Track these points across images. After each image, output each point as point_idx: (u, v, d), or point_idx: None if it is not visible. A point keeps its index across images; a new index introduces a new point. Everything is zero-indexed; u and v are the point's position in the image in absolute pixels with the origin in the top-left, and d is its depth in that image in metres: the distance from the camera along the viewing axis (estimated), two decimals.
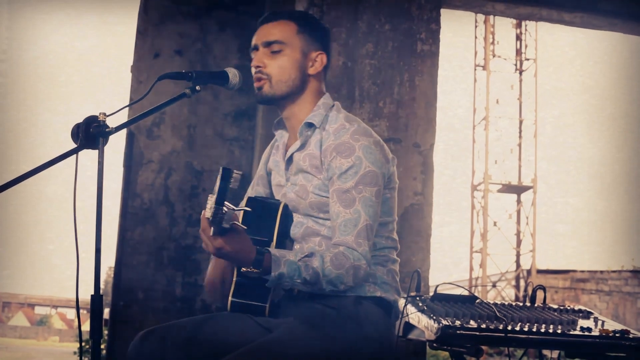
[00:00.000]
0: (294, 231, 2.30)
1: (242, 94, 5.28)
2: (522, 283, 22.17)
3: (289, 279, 2.05)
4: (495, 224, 22.45)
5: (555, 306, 2.54)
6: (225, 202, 1.84)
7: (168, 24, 5.34)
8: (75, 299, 1.97)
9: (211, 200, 1.84)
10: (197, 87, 2.14)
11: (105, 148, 1.97)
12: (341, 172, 2.16)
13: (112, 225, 5.36)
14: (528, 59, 23.00)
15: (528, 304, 2.56)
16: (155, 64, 5.28)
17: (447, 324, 2.20)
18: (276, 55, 2.26)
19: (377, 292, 2.23)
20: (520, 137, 22.78)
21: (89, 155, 1.99)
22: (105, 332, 5.39)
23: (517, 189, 22.65)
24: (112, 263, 5.36)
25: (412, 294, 2.52)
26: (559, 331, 2.27)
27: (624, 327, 2.33)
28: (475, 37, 23.09)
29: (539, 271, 21.63)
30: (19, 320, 48.00)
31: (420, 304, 2.39)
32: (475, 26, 23.11)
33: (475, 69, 22.94)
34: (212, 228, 1.90)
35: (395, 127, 4.20)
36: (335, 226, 2.14)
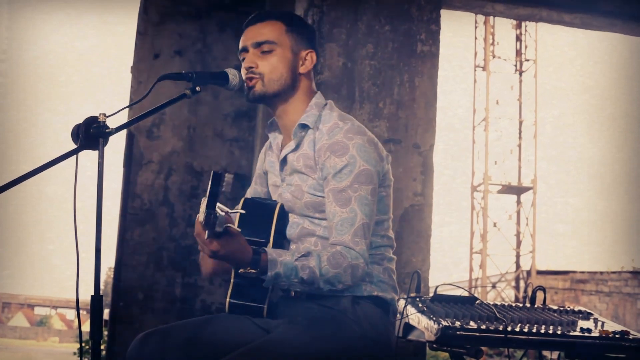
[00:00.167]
0: (290, 232, 2.30)
1: (242, 95, 5.24)
2: (522, 284, 22.17)
3: (286, 278, 2.05)
4: (495, 224, 22.45)
5: (555, 307, 2.54)
6: (219, 205, 1.84)
7: (168, 24, 5.34)
8: (75, 300, 1.97)
9: (203, 204, 1.85)
10: (197, 88, 2.14)
11: (105, 148, 1.97)
12: (336, 172, 2.16)
13: (112, 225, 5.36)
14: (528, 60, 23.01)
15: (528, 304, 2.56)
16: (155, 64, 5.28)
17: (447, 324, 2.20)
18: (267, 55, 2.25)
19: (375, 291, 2.23)
20: (520, 137, 22.78)
21: (89, 156, 1.99)
22: (105, 332, 5.39)
23: (517, 190, 22.65)
24: (112, 263, 5.36)
25: (412, 294, 2.52)
26: (558, 332, 2.27)
27: (624, 328, 2.33)
28: (475, 38, 23.10)
29: (539, 272, 21.63)
30: (19, 321, 47.99)
31: (420, 305, 2.39)
32: (475, 27, 23.12)
33: (475, 70, 22.94)
34: (206, 232, 1.91)
35: (395, 128, 4.21)
36: (332, 226, 2.14)
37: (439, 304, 2.40)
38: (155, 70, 5.25)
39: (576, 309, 2.54)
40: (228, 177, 1.82)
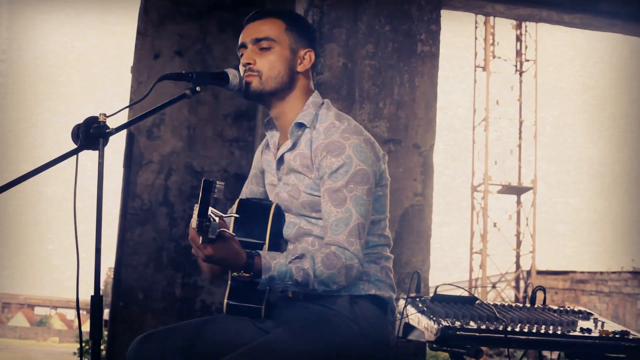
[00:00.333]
0: (287, 232, 2.29)
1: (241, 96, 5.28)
2: (522, 284, 22.17)
3: (280, 281, 2.04)
4: (495, 224, 22.45)
5: (555, 307, 2.54)
6: (212, 210, 1.85)
7: (168, 24, 5.34)
8: (75, 300, 1.97)
9: (196, 211, 1.85)
10: (197, 88, 2.14)
11: (106, 148, 1.97)
12: (332, 171, 2.16)
13: (112, 225, 5.36)
14: (528, 60, 23.01)
15: (528, 305, 2.56)
16: (155, 64, 5.28)
17: (447, 324, 2.20)
18: (265, 53, 2.25)
19: (372, 290, 2.22)
20: (520, 137, 22.78)
21: (89, 156, 1.99)
22: (105, 332, 5.39)
23: (517, 190, 22.65)
24: (112, 263, 5.36)
25: (412, 294, 2.52)
26: (558, 332, 2.27)
27: (624, 328, 2.33)
28: (475, 38, 23.10)
29: (539, 272, 21.63)
30: (19, 321, 47.99)
31: (420, 305, 2.40)
32: (475, 27, 23.12)
33: (475, 70, 22.94)
34: (200, 237, 1.91)
35: (395, 128, 4.20)
36: (327, 226, 2.14)
37: (439, 304, 2.40)
38: (155, 70, 5.25)
39: (576, 309, 2.54)
40: (219, 184, 1.83)
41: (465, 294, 2.47)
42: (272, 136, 2.40)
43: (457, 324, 2.22)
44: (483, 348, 2.22)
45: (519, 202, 22.76)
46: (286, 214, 2.31)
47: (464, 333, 2.19)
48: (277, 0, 5.12)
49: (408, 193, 4.16)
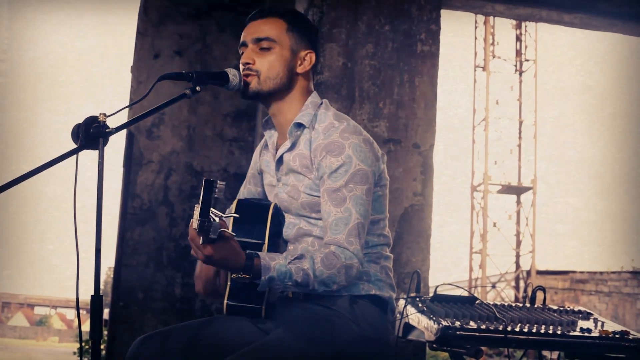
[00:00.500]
0: (287, 232, 2.29)
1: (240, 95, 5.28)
2: (521, 284, 22.17)
3: (280, 282, 2.04)
4: (495, 224, 22.46)
5: (555, 307, 2.54)
6: (212, 210, 1.84)
7: (168, 24, 5.34)
8: (75, 299, 1.97)
9: (197, 211, 1.85)
10: (197, 88, 2.13)
11: (105, 148, 1.97)
12: (331, 171, 2.15)
13: (112, 225, 5.36)
14: (528, 60, 23.02)
15: (528, 304, 2.56)
16: (155, 64, 5.28)
17: (447, 324, 2.20)
18: (265, 53, 2.25)
19: (372, 290, 2.22)
20: (520, 137, 22.79)
21: (89, 156, 1.99)
22: (105, 332, 5.39)
23: (517, 190, 22.66)
24: (112, 263, 5.36)
25: (412, 294, 2.52)
26: (558, 332, 2.27)
27: (624, 328, 2.33)
28: (475, 38, 23.10)
29: (539, 272, 21.63)
30: (19, 321, 47.99)
31: (420, 305, 2.40)
32: (475, 27, 23.13)
33: (475, 70, 22.94)
34: (200, 237, 1.91)
35: (395, 128, 4.21)
36: (327, 225, 2.14)
37: (438, 304, 2.40)
38: (155, 70, 5.25)
39: (576, 309, 2.54)
40: (220, 184, 1.83)
41: (465, 293, 2.47)
42: (271, 136, 2.40)
43: (457, 323, 2.22)
44: (483, 348, 2.22)
45: (518, 202, 22.76)
46: (286, 215, 2.31)
47: (463, 333, 2.20)
48: (277, 0, 5.11)
49: (408, 193, 4.16)
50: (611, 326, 2.37)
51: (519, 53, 23.08)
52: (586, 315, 2.49)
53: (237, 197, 2.48)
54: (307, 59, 2.30)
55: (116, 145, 2.37)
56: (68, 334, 42.23)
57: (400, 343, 2.45)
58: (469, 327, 2.21)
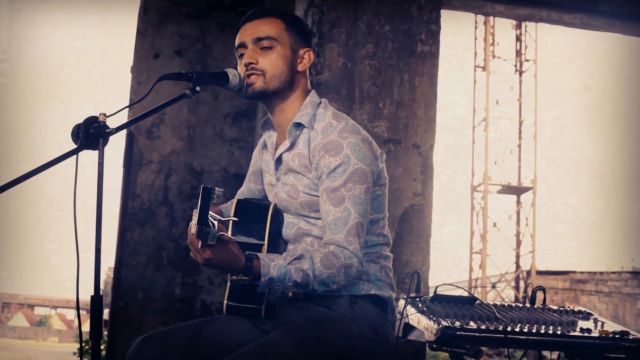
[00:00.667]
0: (286, 232, 2.29)
1: (242, 95, 5.28)
2: (521, 284, 22.17)
3: (280, 282, 2.04)
4: (495, 224, 22.45)
5: (555, 307, 2.54)
6: (211, 214, 1.84)
7: (168, 24, 5.34)
8: (75, 300, 1.97)
9: (195, 216, 1.85)
10: (197, 88, 2.13)
11: (105, 148, 1.97)
12: (330, 171, 2.16)
13: (112, 225, 5.36)
14: (528, 60, 23.01)
15: (528, 305, 2.56)
16: (155, 64, 5.28)
17: (447, 324, 2.20)
18: (267, 52, 2.25)
19: (372, 289, 2.22)
20: (520, 137, 22.79)
21: (89, 156, 1.99)
22: (105, 332, 5.39)
23: (517, 190, 22.66)
24: (112, 263, 5.36)
25: (412, 294, 2.52)
26: (558, 332, 2.27)
27: (624, 328, 2.33)
28: (475, 38, 23.10)
29: (539, 272, 21.63)
30: (19, 321, 47.98)
31: (420, 305, 2.40)
32: (475, 27, 23.12)
33: (475, 70, 22.94)
34: (199, 242, 1.91)
35: (395, 128, 4.21)
36: (326, 225, 2.14)
37: (438, 304, 2.40)
38: (155, 70, 5.25)
39: (576, 309, 2.54)
40: (218, 191, 1.83)
41: (465, 294, 2.47)
42: (270, 136, 2.40)
43: (457, 324, 2.22)
44: (483, 348, 2.22)
45: (518, 202, 22.76)
46: (285, 214, 2.31)
47: (463, 333, 2.20)
48: (277, 0, 5.12)
49: (408, 193, 4.16)
50: (611, 326, 2.37)
51: (519, 53, 23.08)
52: (586, 316, 2.49)
53: (237, 196, 2.49)
54: (306, 57, 2.31)
55: (116, 145, 2.37)
56: (68, 334, 42.22)
57: (400, 343, 2.45)
58: (469, 327, 2.21)
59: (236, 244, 1.99)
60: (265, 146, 2.43)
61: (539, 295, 2.58)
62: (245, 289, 2.14)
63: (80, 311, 2.02)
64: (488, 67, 22.60)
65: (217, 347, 2.17)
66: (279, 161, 2.31)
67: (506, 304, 2.50)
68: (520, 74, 23.04)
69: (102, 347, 4.94)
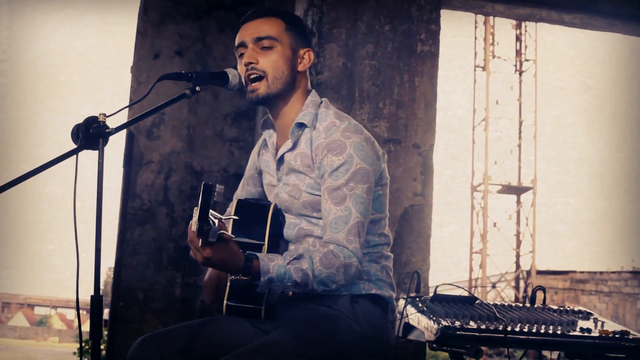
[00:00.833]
0: (288, 232, 2.29)
1: (241, 95, 5.25)
2: (521, 284, 22.17)
3: (279, 282, 2.04)
4: (495, 224, 22.46)
5: (555, 307, 2.54)
6: (212, 212, 1.84)
7: (168, 24, 5.34)
8: (75, 300, 1.97)
9: (196, 214, 1.85)
10: (197, 88, 2.14)
11: (105, 148, 1.97)
12: (332, 170, 2.16)
13: (112, 225, 5.36)
14: (528, 60, 23.02)
15: (528, 304, 2.56)
16: (155, 64, 5.28)
17: (447, 324, 2.20)
18: (267, 52, 2.25)
19: (373, 289, 2.22)
20: (520, 137, 22.79)
21: (89, 156, 1.99)
22: (105, 332, 5.39)
23: (517, 190, 22.66)
24: (112, 263, 5.36)
25: (412, 294, 2.52)
26: (558, 332, 2.27)
27: (624, 328, 2.33)
28: (475, 38, 23.10)
29: (539, 272, 21.63)
30: (19, 321, 47.98)
31: (420, 305, 2.40)
32: (475, 27, 23.13)
33: (475, 70, 22.94)
34: (200, 240, 1.91)
35: (395, 128, 4.21)
36: (327, 224, 2.14)
37: (438, 304, 2.40)
38: (155, 70, 5.25)
39: (576, 309, 2.54)
40: (219, 188, 1.83)
41: (465, 293, 2.47)
42: (270, 136, 2.40)
43: (457, 323, 2.22)
44: (483, 348, 2.23)
45: (518, 202, 22.76)
46: (286, 215, 2.31)
47: (463, 333, 2.20)
48: (276, 0, 5.12)
49: (408, 193, 4.16)
50: (611, 326, 2.38)
51: (519, 53, 23.08)
52: (586, 315, 2.49)
53: (237, 198, 2.48)
54: (306, 57, 2.31)
55: (116, 145, 2.37)
56: (68, 334, 42.22)
57: (400, 343, 2.45)
58: (469, 327, 2.21)
59: (236, 243, 1.99)
60: (265, 146, 2.43)
61: (539, 295, 2.58)
62: (245, 290, 2.14)
63: (80, 311, 2.02)
64: (488, 67, 22.60)
65: (217, 347, 2.17)
66: (280, 161, 2.31)
67: (506, 304, 2.50)
68: (520, 74, 23.04)
69: (102, 347, 4.93)
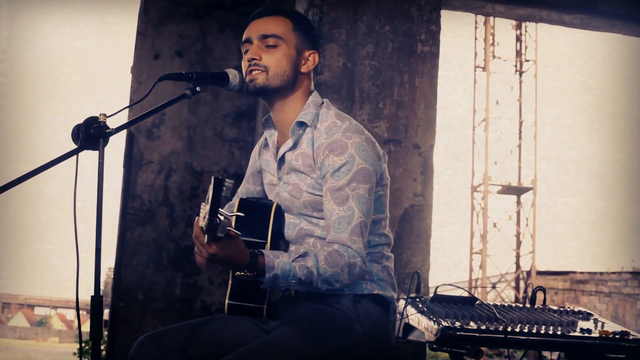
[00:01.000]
0: (288, 232, 2.30)
1: (242, 95, 5.28)
2: (521, 284, 22.16)
3: (284, 279, 2.05)
4: (495, 225, 22.45)
5: (555, 307, 2.54)
6: (220, 210, 1.85)
7: (168, 24, 5.34)
8: (75, 300, 1.97)
9: (204, 209, 1.85)
10: (197, 88, 2.14)
11: (106, 148, 1.97)
12: (334, 170, 2.16)
13: (112, 225, 5.36)
14: (528, 60, 23.01)
15: (528, 305, 2.56)
16: (155, 64, 5.28)
17: (447, 325, 2.20)
18: (272, 50, 2.26)
19: (375, 289, 2.23)
20: (520, 138, 22.78)
21: (89, 156, 1.99)
22: (105, 332, 5.39)
23: (517, 190, 22.65)
24: (112, 264, 5.36)
25: (412, 295, 2.52)
26: (558, 332, 2.27)
27: (624, 329, 2.33)
28: (475, 38, 23.09)
29: (539, 272, 21.63)
30: (19, 321, 47.96)
31: (420, 305, 2.39)
32: (475, 27, 23.12)
33: (475, 70, 22.94)
34: (205, 236, 1.91)
35: (395, 128, 4.21)
36: (330, 224, 2.15)
37: (439, 305, 2.40)
38: (155, 70, 5.25)
39: (576, 309, 2.54)
40: (228, 182, 1.83)
41: (465, 294, 2.47)
42: (271, 135, 2.40)
43: (457, 324, 2.22)
44: (483, 348, 2.22)
45: (518, 203, 22.75)
46: (286, 214, 2.31)
47: (463, 333, 2.19)
48: (276, 0, 5.11)
49: (408, 193, 4.16)
50: (611, 327, 2.37)
51: (519, 53, 23.07)
52: (586, 316, 2.49)
53: (235, 197, 2.49)
54: (311, 59, 2.32)
55: (116, 145, 2.38)
56: (68, 335, 42.21)
57: (400, 343, 2.45)
58: (469, 327, 2.21)
59: (241, 240, 2.00)
60: (266, 145, 2.44)
61: (539, 296, 2.58)
62: (247, 288, 2.14)
63: (80, 311, 2.02)
64: (488, 67, 22.59)
65: (219, 346, 2.18)
66: (281, 161, 2.31)
67: (506, 304, 2.50)
68: (521, 74, 23.03)
69: (102, 347, 4.94)
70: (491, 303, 2.47)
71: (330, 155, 2.18)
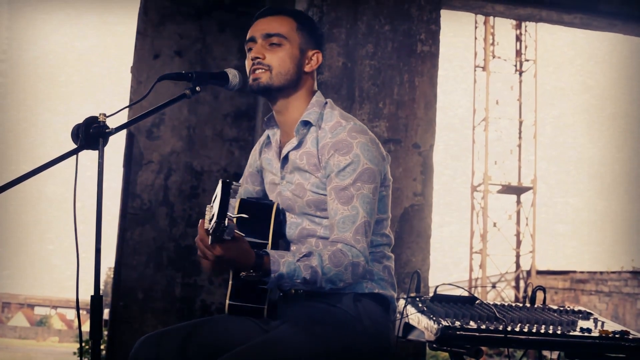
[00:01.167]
0: (289, 232, 2.30)
1: (242, 95, 5.28)
2: (521, 284, 22.17)
3: (289, 279, 2.05)
4: (495, 224, 22.45)
5: (555, 307, 2.54)
6: (227, 214, 1.84)
7: (168, 24, 5.34)
8: (75, 300, 1.97)
9: (210, 212, 1.85)
10: (197, 88, 2.14)
11: (105, 148, 1.97)
12: (339, 170, 2.17)
13: (112, 225, 5.36)
14: (528, 60, 23.01)
15: (528, 304, 2.56)
16: (155, 64, 5.28)
17: (447, 324, 2.20)
18: (275, 49, 2.26)
19: (376, 288, 2.24)
20: (520, 137, 22.78)
21: (89, 156, 1.99)
22: (105, 332, 5.39)
23: (517, 190, 22.65)
24: (112, 263, 5.36)
25: (412, 294, 2.52)
26: (558, 332, 2.27)
27: (624, 328, 2.33)
28: (475, 38, 23.10)
29: (539, 272, 21.63)
30: (19, 321, 47.97)
31: (420, 305, 2.40)
32: (475, 27, 23.12)
33: (475, 70, 22.94)
34: (210, 238, 1.90)
35: (395, 128, 4.21)
36: (334, 223, 2.15)
37: (439, 304, 2.40)
38: (155, 70, 5.25)
39: (576, 309, 2.54)
40: (236, 185, 1.84)
41: (465, 293, 2.47)
42: (274, 134, 2.40)
43: (457, 323, 2.22)
44: (483, 348, 2.23)
45: (518, 202, 22.76)
46: (287, 214, 2.31)
47: (463, 333, 2.20)
48: (277, 0, 5.11)
49: (408, 193, 4.16)
50: (611, 326, 2.38)
51: (519, 53, 23.08)
52: (586, 315, 2.49)
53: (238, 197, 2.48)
54: (315, 58, 2.32)
55: (116, 145, 2.38)
56: (68, 334, 42.21)
57: (400, 343, 2.45)
58: (469, 327, 2.21)
59: (247, 241, 2.00)
60: (268, 144, 2.43)
61: (539, 295, 2.58)
62: (248, 289, 2.14)
63: (80, 311, 2.02)
64: (488, 67, 22.60)
65: (218, 346, 2.18)
66: (285, 160, 2.31)
67: (506, 304, 2.50)
68: (520, 74, 23.03)
69: (102, 347, 4.93)
70: (491, 302, 2.47)
71: (336, 154, 2.18)
